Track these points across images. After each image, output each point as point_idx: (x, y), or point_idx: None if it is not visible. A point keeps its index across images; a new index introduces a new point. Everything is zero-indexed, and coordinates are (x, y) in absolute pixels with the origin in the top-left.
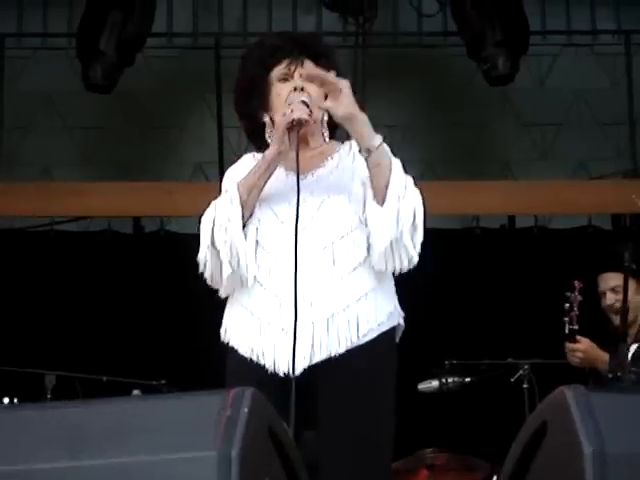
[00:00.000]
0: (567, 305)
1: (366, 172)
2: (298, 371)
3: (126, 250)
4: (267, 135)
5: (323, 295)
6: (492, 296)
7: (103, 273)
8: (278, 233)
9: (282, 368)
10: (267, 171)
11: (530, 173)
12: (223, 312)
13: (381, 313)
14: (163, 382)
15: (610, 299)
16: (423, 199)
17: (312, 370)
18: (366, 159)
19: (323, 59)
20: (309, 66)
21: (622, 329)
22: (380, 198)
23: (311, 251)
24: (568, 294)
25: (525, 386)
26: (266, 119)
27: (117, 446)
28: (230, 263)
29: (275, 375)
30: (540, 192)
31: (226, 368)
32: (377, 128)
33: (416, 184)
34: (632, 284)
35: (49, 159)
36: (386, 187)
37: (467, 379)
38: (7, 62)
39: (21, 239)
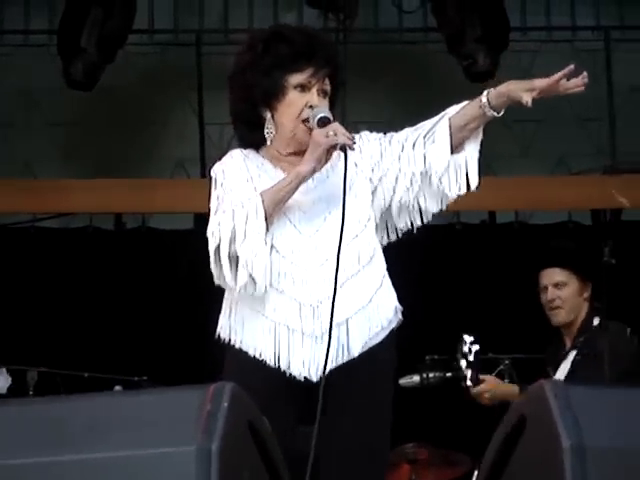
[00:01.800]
0: (463, 362)
1: (367, 166)
2: (315, 373)
3: (108, 247)
4: (266, 131)
5: (340, 298)
6: (473, 291)
7: (85, 270)
8: (293, 239)
9: (300, 370)
10: (298, 187)
11: (511, 169)
12: (205, 309)
13: (389, 310)
14: (145, 378)
15: (552, 294)
16: None
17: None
18: (483, 114)
19: (338, 72)
20: None
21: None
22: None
23: (326, 255)
24: (460, 348)
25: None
26: (267, 115)
27: (97, 441)
28: (250, 274)
29: (284, 375)
30: (520, 188)
31: (226, 366)
32: (358, 124)
33: None
34: (574, 283)
35: (30, 156)
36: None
37: (448, 374)
38: None
39: (2, 236)
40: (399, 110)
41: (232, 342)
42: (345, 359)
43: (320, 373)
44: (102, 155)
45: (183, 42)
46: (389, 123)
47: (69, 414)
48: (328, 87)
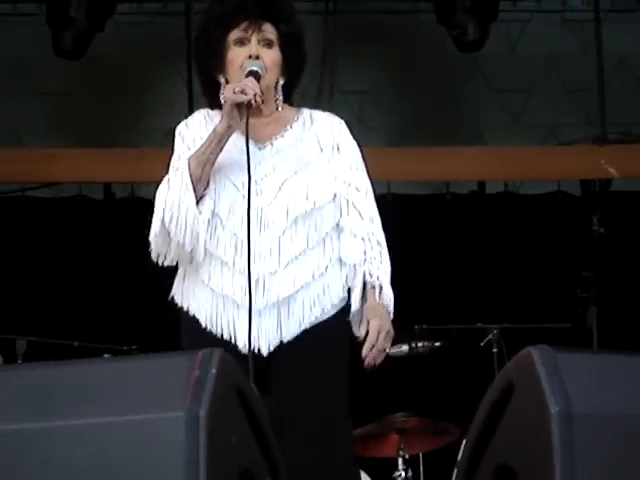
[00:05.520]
0: None
1: (330, 145)
2: (259, 348)
3: (97, 216)
4: (222, 97)
5: (284, 275)
6: (461, 261)
7: (74, 239)
8: (239, 206)
9: (245, 343)
10: (218, 145)
11: (501, 139)
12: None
13: (338, 291)
14: (134, 347)
15: None
16: (393, 165)
17: (272, 349)
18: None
19: (283, 24)
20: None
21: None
22: None
23: (274, 230)
24: None
25: (494, 350)
26: (221, 80)
27: (85, 407)
28: (179, 241)
29: (234, 347)
30: (510, 158)
31: (182, 332)
32: (348, 94)
33: (387, 150)
34: None
35: (19, 125)
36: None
37: (437, 343)
38: None
39: None
40: (388, 80)
41: (184, 308)
42: (285, 337)
43: (271, 347)
44: (91, 124)
45: (172, 11)
46: (378, 93)
47: (57, 381)
48: (272, 35)
